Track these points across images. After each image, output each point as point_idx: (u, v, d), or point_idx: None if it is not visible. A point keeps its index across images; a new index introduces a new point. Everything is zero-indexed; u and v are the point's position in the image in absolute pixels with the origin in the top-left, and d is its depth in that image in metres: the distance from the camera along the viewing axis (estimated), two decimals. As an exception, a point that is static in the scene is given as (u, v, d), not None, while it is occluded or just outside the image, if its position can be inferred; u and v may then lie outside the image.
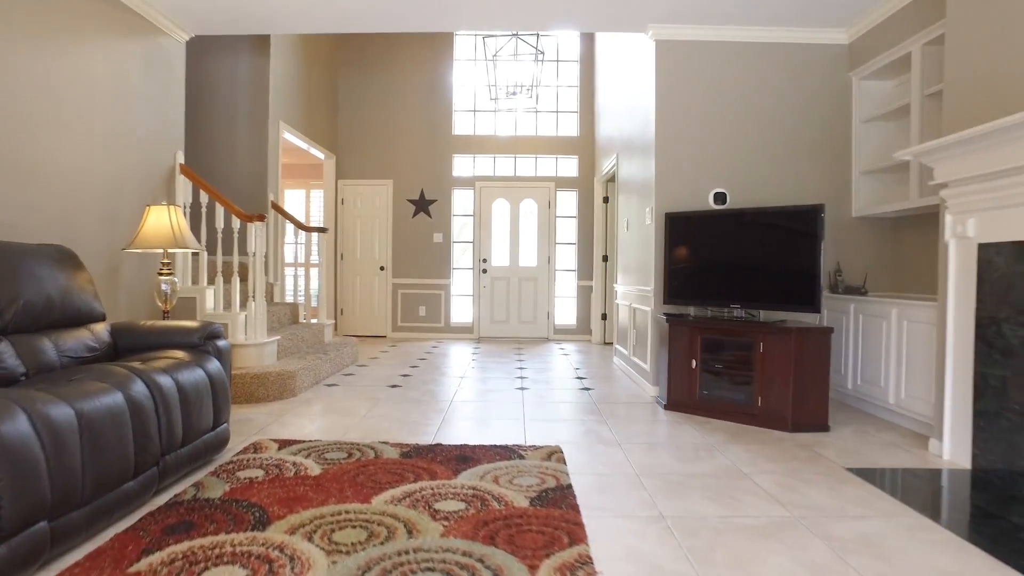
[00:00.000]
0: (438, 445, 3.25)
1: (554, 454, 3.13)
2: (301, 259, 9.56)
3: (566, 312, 8.68)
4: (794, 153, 4.75)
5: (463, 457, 3.04)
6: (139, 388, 2.31)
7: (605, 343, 8.06)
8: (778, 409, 3.78)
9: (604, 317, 8.06)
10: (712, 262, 4.28)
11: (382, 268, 8.51)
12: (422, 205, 8.46)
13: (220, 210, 4.74)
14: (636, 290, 5.35)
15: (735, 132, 4.74)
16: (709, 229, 4.30)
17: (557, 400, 4.57)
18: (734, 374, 4.02)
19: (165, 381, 2.49)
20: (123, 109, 4.07)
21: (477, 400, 4.53)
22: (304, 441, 3.29)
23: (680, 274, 4.44)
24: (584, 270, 8.45)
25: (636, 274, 5.43)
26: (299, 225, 6.20)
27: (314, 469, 2.82)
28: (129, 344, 3.00)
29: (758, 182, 4.73)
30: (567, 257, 8.61)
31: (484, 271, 8.45)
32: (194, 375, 2.72)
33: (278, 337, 4.90)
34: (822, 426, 3.73)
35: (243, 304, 5.31)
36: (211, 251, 5.68)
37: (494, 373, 5.76)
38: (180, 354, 2.86)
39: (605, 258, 8.02)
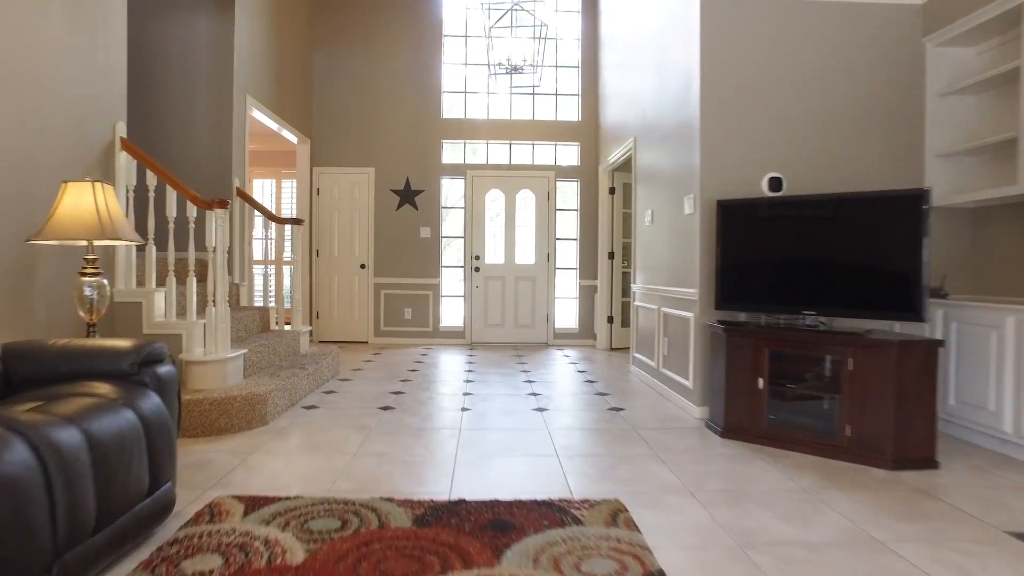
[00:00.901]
0: (461, 503, 2.44)
1: (618, 514, 2.35)
2: (273, 256, 8.62)
3: (567, 314, 7.92)
4: (858, 132, 4.04)
5: (499, 523, 2.24)
6: (17, 457, 1.46)
7: (612, 349, 7.31)
8: (873, 440, 3.05)
9: (611, 320, 7.31)
10: (779, 259, 3.54)
11: (363, 266, 7.64)
12: (407, 196, 7.61)
13: (172, 195, 3.86)
14: (668, 292, 4.59)
15: (790, 108, 4.02)
16: (776, 220, 3.56)
17: (586, 425, 3.79)
18: (813, 396, 3.29)
19: (68, 438, 1.64)
20: (35, 59, 3.16)
21: (491, 427, 3.73)
22: (280, 499, 2.45)
23: (736, 274, 3.69)
24: (587, 268, 7.69)
25: (667, 273, 4.67)
26: (270, 216, 5.32)
27: (295, 551, 1.99)
28: (30, 374, 2.13)
29: (818, 165, 4.01)
30: (568, 254, 7.85)
31: (476, 269, 7.64)
32: (118, 421, 1.87)
33: (245, 350, 4.03)
34: (929, 461, 3.02)
35: (201, 310, 4.41)
36: (161, 246, 4.77)
37: (499, 388, 4.96)
38: (102, 388, 2.01)
39: (612, 255, 7.27)
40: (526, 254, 7.74)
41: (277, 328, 5.32)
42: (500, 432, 3.61)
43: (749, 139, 3.98)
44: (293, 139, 7.19)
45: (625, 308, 7.39)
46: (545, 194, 7.65)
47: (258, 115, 5.91)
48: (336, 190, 7.62)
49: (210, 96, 5.20)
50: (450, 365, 6.08)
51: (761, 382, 3.38)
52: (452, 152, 7.75)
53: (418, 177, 7.62)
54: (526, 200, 7.70)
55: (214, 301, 3.75)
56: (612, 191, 7.25)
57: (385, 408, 4.18)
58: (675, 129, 4.48)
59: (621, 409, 4.23)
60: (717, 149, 3.97)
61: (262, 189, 9.20)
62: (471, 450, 3.24)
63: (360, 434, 3.52)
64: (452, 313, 7.85)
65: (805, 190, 3.96)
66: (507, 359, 6.51)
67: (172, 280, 3.82)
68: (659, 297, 4.84)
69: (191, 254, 3.84)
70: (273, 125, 6.44)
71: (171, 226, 3.89)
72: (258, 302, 8.36)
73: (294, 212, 8.87)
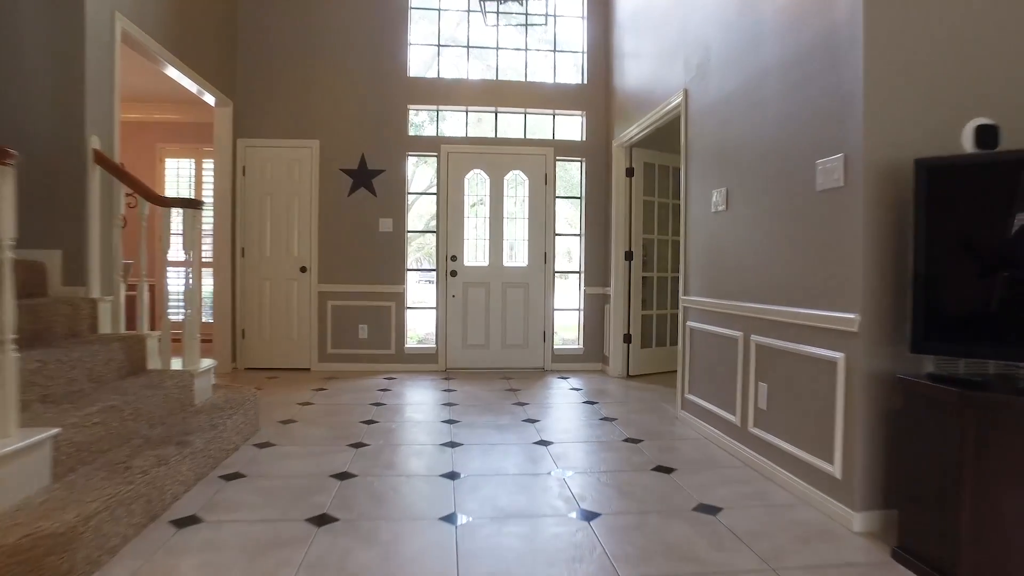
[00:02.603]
0: None
1: None
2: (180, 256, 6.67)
3: (569, 331, 6.27)
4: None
5: None
6: None
7: (629, 376, 5.67)
8: None
9: (628, 340, 5.67)
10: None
11: (303, 269, 5.83)
12: (363, 178, 5.83)
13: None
14: (772, 314, 2.96)
15: (998, 17, 2.43)
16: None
17: (683, 551, 2.12)
18: None
19: None
20: None
21: (508, 562, 2.03)
22: None
23: (953, 290, 2.07)
24: (595, 272, 6.04)
25: (765, 284, 3.04)
26: (146, 193, 3.50)
27: None
28: None
29: (1043, 108, 2.43)
30: (570, 254, 6.20)
31: (453, 274, 5.92)
32: None
33: (52, 431, 2.21)
34: None
35: None
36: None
37: (500, 457, 3.26)
38: None
39: (629, 255, 5.64)
40: (517, 254, 6.05)
41: (159, 368, 3.50)
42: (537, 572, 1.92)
43: (943, 61, 2.38)
44: (209, 99, 5.34)
45: (646, 323, 5.76)
46: (541, 176, 5.97)
47: (146, 44, 4.05)
48: (268, 169, 5.79)
49: (46, 4, 3.35)
50: (421, 409, 4.34)
51: (1046, 501, 1.76)
52: (422, 122, 6.02)
53: (377, 153, 5.84)
54: (517, 184, 6.01)
55: (-19, 343, 1.95)
56: (629, 173, 5.61)
57: (319, 519, 2.43)
58: (791, 58, 2.85)
59: (717, 509, 2.57)
60: (893, 75, 2.35)
61: (177, 173, 7.26)
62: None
63: (261, 612, 1.77)
64: (422, 330, 6.12)
65: (1028, 148, 2.38)
66: (499, 396, 4.81)
67: (-95, 303, 2.00)
68: (746, 320, 3.21)
69: (-57, 253, 2.03)
70: (174, 74, 4.59)
71: (-94, 201, 2.07)
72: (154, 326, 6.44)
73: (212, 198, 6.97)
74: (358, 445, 3.46)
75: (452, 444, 3.51)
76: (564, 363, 6.05)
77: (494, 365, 5.99)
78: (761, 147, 3.06)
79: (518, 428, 3.88)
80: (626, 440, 3.62)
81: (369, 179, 5.83)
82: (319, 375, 5.62)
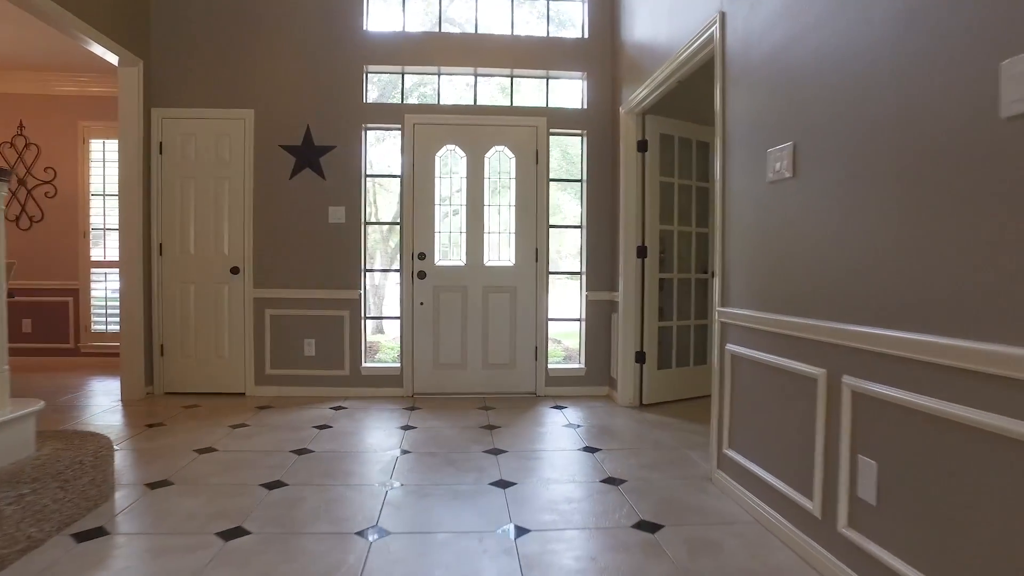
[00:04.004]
0: None
1: None
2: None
3: (567, 346, 5.07)
4: None
5: None
6: None
7: (643, 405, 4.47)
8: None
9: (641, 359, 4.47)
10: None
11: (235, 271, 4.67)
12: (308, 156, 4.67)
13: None
14: (910, 346, 1.75)
15: None
16: None
17: None
18: None
19: None
20: None
21: None
22: None
23: None
24: (600, 273, 4.85)
25: (901, 308, 1.83)
26: None
27: None
28: None
29: None
30: (568, 250, 5.02)
31: (421, 275, 4.74)
32: None
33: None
34: None
35: None
36: None
37: (449, 561, 2.07)
38: None
39: (643, 251, 4.44)
40: (501, 250, 4.86)
41: (-58, 415, 2.35)
42: None
43: None
44: (110, 57, 4.20)
45: (664, 337, 4.56)
46: (531, 154, 4.78)
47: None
48: (191, 146, 4.64)
49: None
50: (358, 460, 3.15)
51: None
52: (383, 86, 4.86)
53: (326, 126, 4.68)
54: (501, 163, 4.82)
55: None
56: (642, 147, 4.41)
57: None
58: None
59: None
60: None
61: (104, 155, 6.11)
62: None
63: None
64: (383, 346, 4.96)
65: None
66: (469, 438, 3.61)
67: None
68: (836, 352, 1.99)
69: None
70: (46, 17, 3.45)
71: None
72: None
73: (114, 181, 5.69)
74: (234, 534, 2.29)
75: (378, 531, 2.33)
76: (561, 387, 4.85)
77: (473, 390, 4.81)
78: (884, 58, 1.86)
79: (482, 500, 2.68)
80: (639, 525, 2.42)
81: (316, 158, 4.66)
82: (252, 402, 4.47)
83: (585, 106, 4.81)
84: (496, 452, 3.36)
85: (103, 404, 4.37)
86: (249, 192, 4.63)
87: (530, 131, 4.77)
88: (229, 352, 4.70)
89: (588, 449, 3.43)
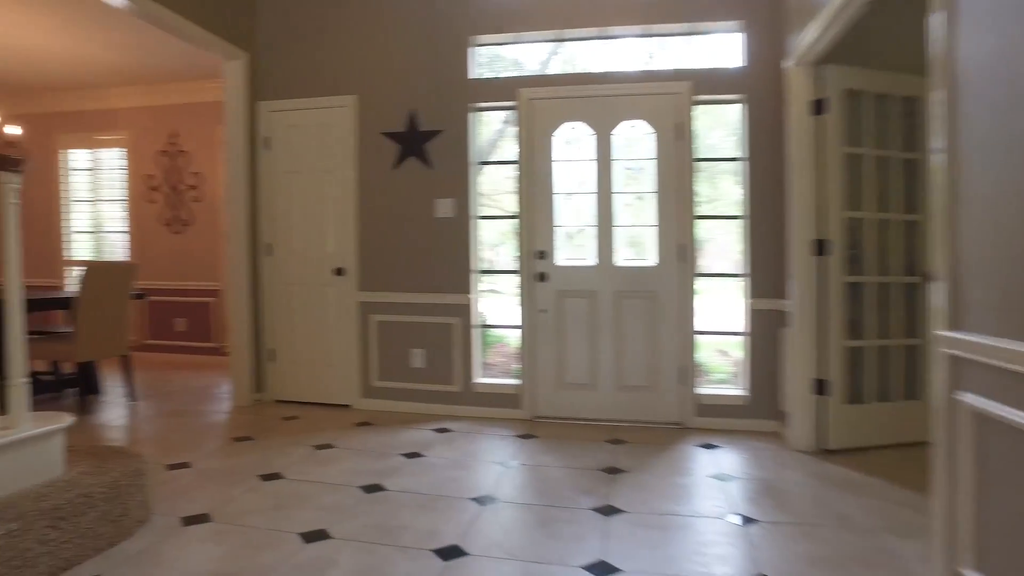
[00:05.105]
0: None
1: None
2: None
3: (722, 367, 4.08)
4: None
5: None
6: None
7: (828, 451, 3.33)
8: None
9: (822, 389, 3.35)
10: None
11: (340, 272, 4.30)
12: (412, 143, 4.16)
13: None
14: None
15: None
16: None
17: None
18: None
19: None
20: None
21: None
22: None
23: None
24: (767, 275, 3.78)
25: None
26: None
27: None
28: None
29: None
30: (722, 247, 4.04)
31: (542, 277, 4.02)
32: None
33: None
34: None
35: None
36: None
37: None
38: None
39: (822, 246, 3.33)
40: (637, 247, 3.99)
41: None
42: None
43: None
44: (215, 53, 4.03)
45: (855, 360, 3.38)
46: (671, 128, 3.85)
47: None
48: (294, 139, 4.35)
49: None
50: (433, 508, 2.49)
51: None
52: (491, 60, 4.22)
53: (432, 109, 4.14)
54: (634, 142, 3.95)
55: None
56: (819, 108, 3.30)
57: None
58: None
59: None
60: None
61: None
62: None
63: None
64: (497, 359, 4.33)
65: None
66: (582, 485, 2.80)
67: None
68: None
69: None
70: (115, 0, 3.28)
71: None
72: None
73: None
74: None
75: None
76: (715, 418, 3.85)
77: (603, 416, 3.98)
78: None
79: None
80: None
81: (421, 145, 4.14)
82: (354, 417, 4.05)
83: (746, 63, 3.77)
84: (609, 512, 2.53)
85: (208, 411, 4.20)
86: (352, 185, 4.23)
87: (670, 100, 3.84)
88: (335, 360, 4.34)
89: (740, 517, 2.47)
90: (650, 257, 3.93)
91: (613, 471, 3.04)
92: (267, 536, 2.26)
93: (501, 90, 4.03)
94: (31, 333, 4.36)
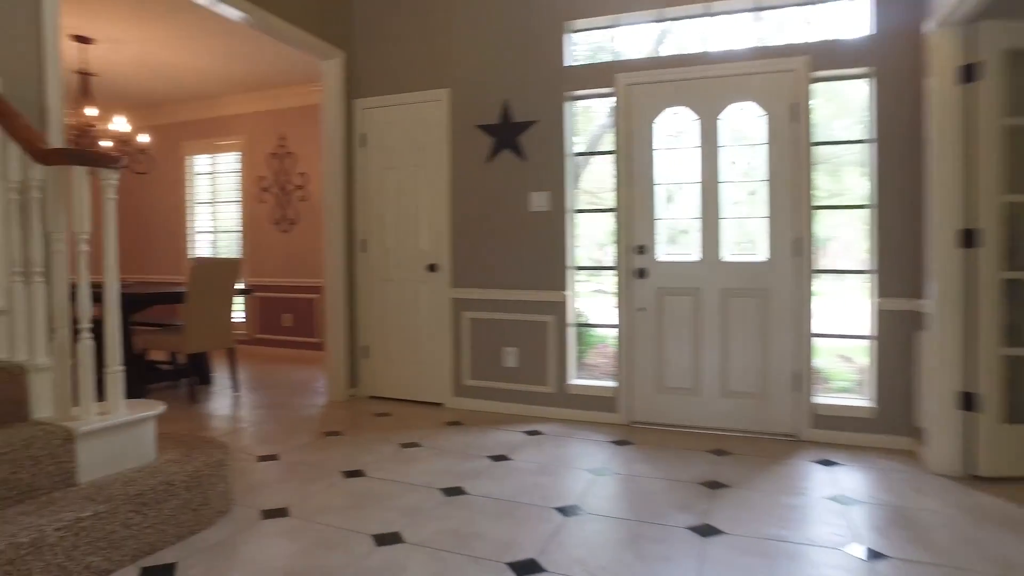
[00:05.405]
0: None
1: None
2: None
3: (845, 374, 3.66)
4: None
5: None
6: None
7: (974, 478, 2.85)
8: None
9: (970, 404, 2.87)
10: None
11: (433, 268, 4.26)
12: (506, 135, 4.04)
13: None
14: None
15: None
16: None
17: None
18: None
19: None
20: None
21: None
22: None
23: None
24: (898, 272, 3.31)
25: None
26: (24, 139, 2.17)
27: None
28: None
29: None
30: (843, 240, 3.62)
31: (641, 274, 3.76)
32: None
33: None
34: None
35: None
36: None
37: None
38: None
39: (970, 236, 2.85)
40: (746, 241, 3.64)
41: (47, 416, 2.16)
42: None
43: None
44: (314, 53, 4.11)
45: (1016, 370, 2.87)
46: (785, 109, 3.47)
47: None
48: (389, 136, 4.36)
49: None
50: (515, 515, 2.34)
51: None
52: (587, 45, 4.01)
53: (526, 99, 4.00)
54: (743, 126, 3.60)
55: None
56: (968, 75, 2.83)
57: None
58: None
59: None
60: None
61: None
62: None
63: None
64: (594, 359, 4.12)
65: None
66: (678, 499, 2.54)
67: None
68: None
69: None
70: (233, 13, 3.40)
71: None
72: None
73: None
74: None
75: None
76: (835, 431, 3.43)
77: (706, 424, 3.66)
78: None
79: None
80: None
81: (515, 136, 4.01)
82: (445, 416, 3.98)
83: (873, 30, 3.33)
84: (707, 532, 2.26)
85: (304, 404, 4.28)
86: (445, 179, 4.17)
87: (784, 78, 3.46)
88: (427, 358, 4.30)
89: (865, 550, 2.13)
90: (761, 252, 3.57)
91: (714, 485, 2.75)
92: (341, 536, 2.19)
93: (598, 76, 3.82)
94: (151, 325, 4.66)
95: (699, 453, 3.23)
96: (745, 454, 3.21)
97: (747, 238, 3.63)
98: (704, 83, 3.61)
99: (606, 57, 3.90)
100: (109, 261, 2.21)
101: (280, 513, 2.38)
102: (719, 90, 3.59)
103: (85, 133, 4.61)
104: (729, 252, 3.63)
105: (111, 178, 2.18)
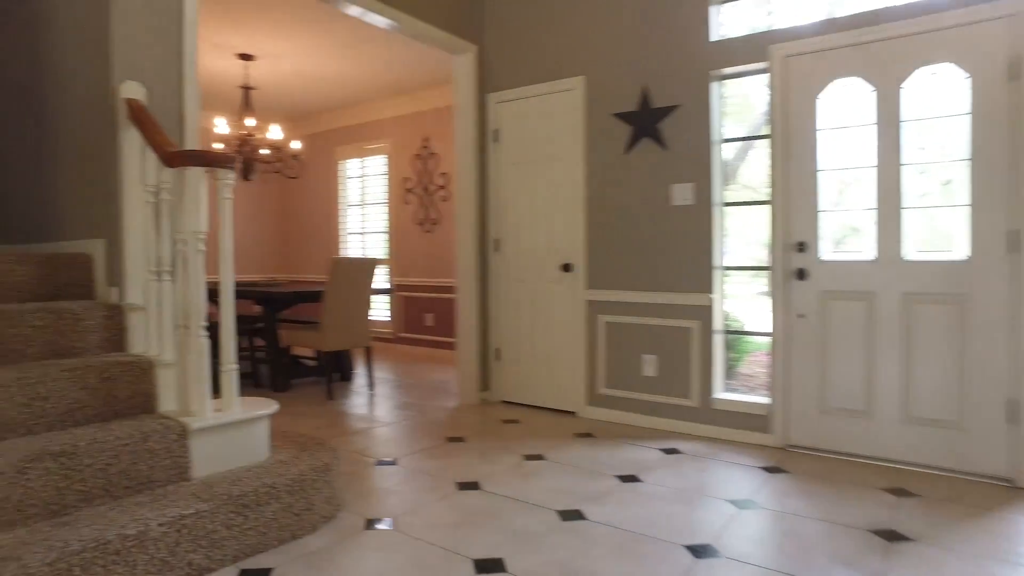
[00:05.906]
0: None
1: None
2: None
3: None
4: None
5: None
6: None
7: None
8: None
9: None
10: None
11: (567, 268, 4.03)
12: (645, 123, 3.69)
13: None
14: None
15: None
16: None
17: None
18: None
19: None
20: None
21: None
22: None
23: None
24: None
25: None
26: (155, 142, 2.25)
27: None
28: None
29: None
30: (1080, 233, 2.85)
31: (800, 275, 3.25)
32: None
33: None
34: None
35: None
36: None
37: None
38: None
39: None
40: (938, 234, 3.00)
41: (171, 410, 2.23)
42: None
43: None
44: (446, 49, 4.07)
45: None
46: (1000, 67, 2.78)
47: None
48: (521, 129, 4.19)
49: None
50: (636, 554, 2.05)
51: None
52: (734, 17, 3.54)
53: (666, 82, 3.63)
54: (933, 94, 2.95)
55: None
56: None
57: None
58: None
59: None
60: None
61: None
62: None
63: None
64: (758, 370, 3.66)
65: None
66: (843, 551, 2.08)
67: None
68: None
69: None
70: (379, 20, 3.43)
71: None
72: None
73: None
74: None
75: None
76: (1060, 475, 2.70)
77: (883, 454, 3.07)
78: None
79: None
80: None
81: (654, 123, 3.65)
82: (576, 426, 3.74)
83: None
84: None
85: (434, 406, 4.25)
86: (580, 173, 3.92)
87: (997, 27, 2.78)
88: (561, 363, 4.08)
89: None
90: (959, 248, 2.92)
91: (892, 537, 2.24)
92: (440, 557, 2.04)
93: (749, 50, 3.35)
94: (297, 322, 4.91)
95: (872, 491, 2.69)
96: (935, 498, 2.61)
97: (938, 232, 2.98)
98: (882, 47, 3.02)
99: (758, 28, 3.42)
100: (225, 261, 2.24)
101: (385, 524, 2.29)
102: (903, 53, 2.98)
103: (245, 142, 4.98)
104: (914, 249, 3.01)
105: (227, 178, 2.21)
